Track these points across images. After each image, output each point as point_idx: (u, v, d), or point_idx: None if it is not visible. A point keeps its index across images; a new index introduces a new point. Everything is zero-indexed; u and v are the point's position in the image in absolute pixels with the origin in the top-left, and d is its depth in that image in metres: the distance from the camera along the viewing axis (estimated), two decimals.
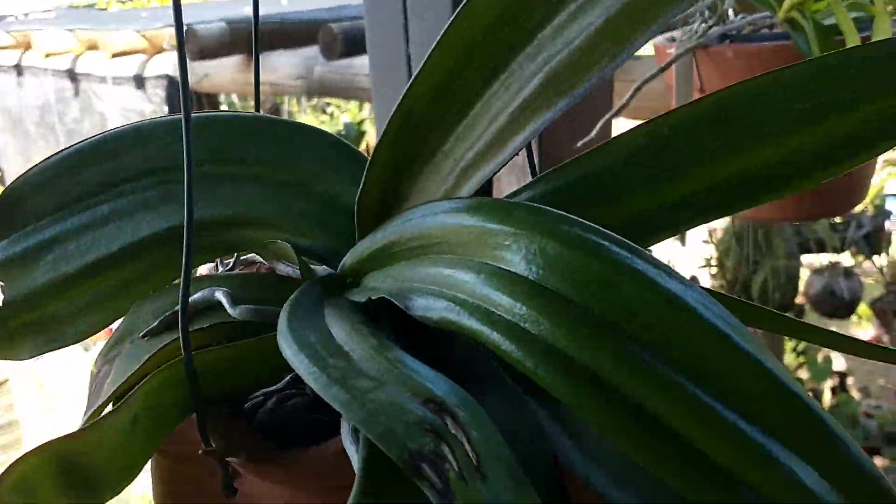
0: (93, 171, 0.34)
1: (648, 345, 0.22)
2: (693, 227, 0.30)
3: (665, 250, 3.27)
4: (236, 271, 0.37)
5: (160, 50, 2.12)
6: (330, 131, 0.34)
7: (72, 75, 2.62)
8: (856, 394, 3.14)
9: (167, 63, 2.14)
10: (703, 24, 0.77)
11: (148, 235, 0.34)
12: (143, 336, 0.32)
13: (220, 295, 0.31)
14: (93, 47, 2.44)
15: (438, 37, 0.29)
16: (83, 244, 0.34)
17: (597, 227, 0.25)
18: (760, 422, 0.21)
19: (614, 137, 0.30)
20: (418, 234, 0.29)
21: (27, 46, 2.85)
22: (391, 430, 0.20)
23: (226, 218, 0.33)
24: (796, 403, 0.22)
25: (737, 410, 0.21)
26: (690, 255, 2.61)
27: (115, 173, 0.33)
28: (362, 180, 0.32)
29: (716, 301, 0.23)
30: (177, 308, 0.30)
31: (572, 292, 0.23)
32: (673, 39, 0.76)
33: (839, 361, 3.31)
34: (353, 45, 1.48)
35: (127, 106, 2.43)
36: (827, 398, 2.99)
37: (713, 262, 2.23)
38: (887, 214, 2.37)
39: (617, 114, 0.72)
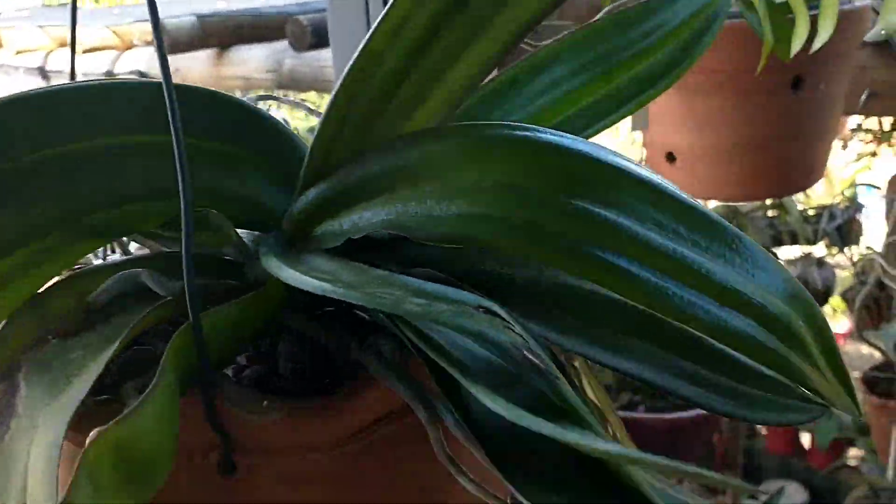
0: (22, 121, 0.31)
1: (578, 195, 0.27)
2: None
3: None
4: (139, 254, 0.34)
5: (130, 46, 2.11)
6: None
7: (43, 73, 2.60)
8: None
9: (138, 58, 2.13)
10: None
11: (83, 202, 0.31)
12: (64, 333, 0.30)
13: (144, 276, 0.29)
14: (64, 44, 2.42)
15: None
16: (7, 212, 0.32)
17: (532, 126, 0.28)
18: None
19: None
20: (380, 170, 0.29)
21: None
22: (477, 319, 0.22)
23: (124, 193, 0.31)
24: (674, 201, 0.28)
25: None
26: None
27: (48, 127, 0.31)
28: (313, 138, 0.31)
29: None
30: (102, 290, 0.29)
31: (542, 185, 0.27)
32: None
33: None
34: (322, 36, 1.48)
35: None
36: None
37: None
38: (859, 206, 2.38)
39: None
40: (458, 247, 0.29)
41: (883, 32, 0.56)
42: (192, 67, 1.92)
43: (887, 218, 1.84)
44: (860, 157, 2.60)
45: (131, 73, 2.16)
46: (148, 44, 1.99)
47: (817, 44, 0.60)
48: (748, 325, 0.28)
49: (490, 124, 0.29)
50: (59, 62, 2.49)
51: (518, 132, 0.27)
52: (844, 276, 2.41)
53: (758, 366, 0.30)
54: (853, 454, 2.56)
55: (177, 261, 0.28)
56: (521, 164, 0.27)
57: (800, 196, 2.67)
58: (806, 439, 2.77)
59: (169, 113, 0.25)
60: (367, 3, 0.98)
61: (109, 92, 0.29)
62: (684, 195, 0.28)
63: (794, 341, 0.30)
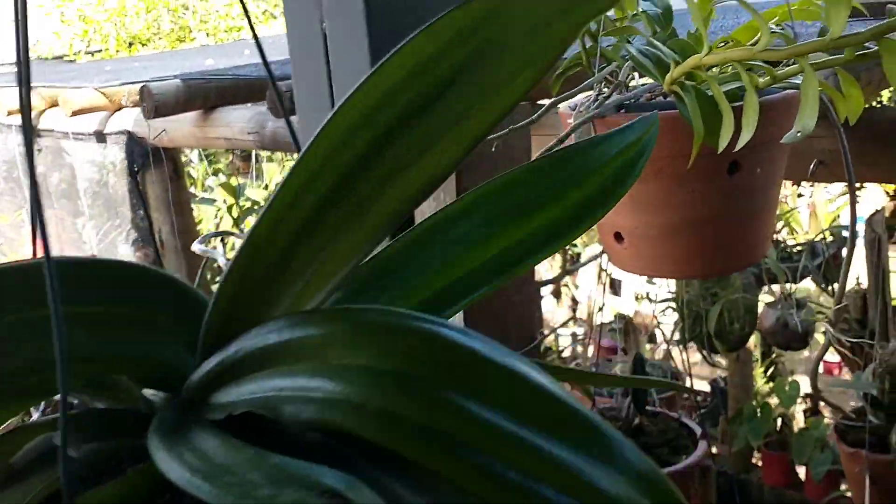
0: None
1: (452, 388, 0.27)
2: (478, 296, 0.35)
3: (635, 285, 3.31)
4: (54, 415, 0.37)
5: (120, 107, 2.15)
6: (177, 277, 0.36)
7: (35, 132, 2.64)
8: (828, 415, 3.17)
9: (127, 119, 2.17)
10: (605, 91, 0.81)
11: None
12: None
13: (55, 439, 0.32)
14: (55, 104, 2.47)
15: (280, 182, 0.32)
16: None
17: (405, 311, 0.30)
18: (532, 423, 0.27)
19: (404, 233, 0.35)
20: (265, 347, 0.31)
21: None
22: None
23: (40, 360, 0.33)
24: (553, 401, 0.28)
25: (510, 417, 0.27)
26: (658, 288, 2.65)
27: None
28: (210, 305, 0.33)
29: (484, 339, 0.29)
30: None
31: (400, 366, 0.28)
32: (574, 107, 0.79)
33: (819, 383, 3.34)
34: None
35: (92, 159, 2.46)
36: (800, 421, 3.02)
37: (674, 296, 2.27)
38: (843, 242, 2.40)
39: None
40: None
41: (799, 134, 0.59)
42: (178, 129, 1.96)
43: (866, 258, 1.86)
44: (844, 192, 2.63)
45: (120, 132, 2.21)
46: (136, 105, 2.03)
47: (741, 142, 0.62)
48: None
49: (368, 309, 0.31)
50: (50, 122, 2.53)
51: (394, 319, 0.29)
52: (826, 311, 2.43)
53: None
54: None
55: (95, 419, 0.31)
56: (395, 352, 0.28)
57: (784, 234, 2.70)
58: (802, 471, 2.78)
59: (48, 282, 0.28)
60: (329, 75, 1.02)
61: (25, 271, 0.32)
62: (557, 390, 0.28)
63: None
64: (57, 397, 0.39)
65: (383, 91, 0.29)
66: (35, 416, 0.37)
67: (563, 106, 0.82)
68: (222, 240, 3.32)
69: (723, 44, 0.79)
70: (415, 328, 0.29)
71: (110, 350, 0.32)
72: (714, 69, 0.71)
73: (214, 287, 0.33)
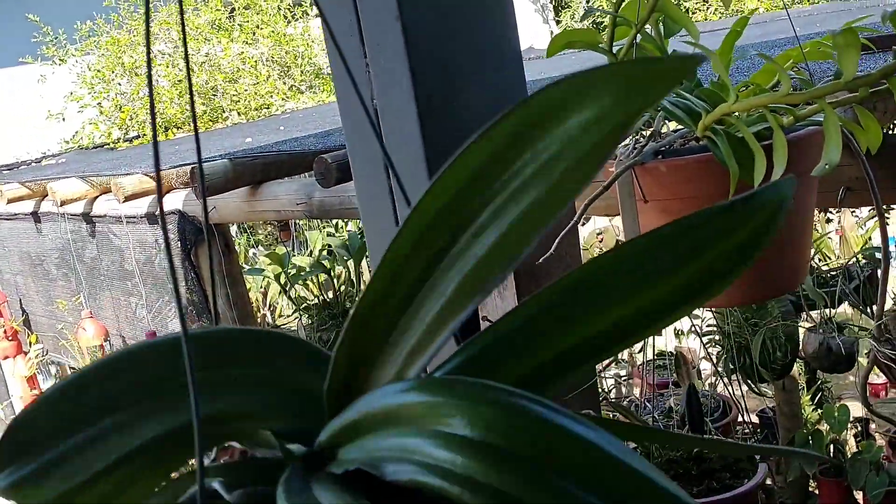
0: (93, 394, 0.38)
1: (560, 473, 0.29)
2: (588, 367, 0.39)
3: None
4: (220, 461, 0.42)
5: (170, 189, 2.26)
6: (297, 340, 0.42)
7: (87, 218, 2.77)
8: (880, 439, 3.15)
9: (178, 200, 2.28)
10: (641, 139, 0.88)
11: (146, 440, 0.38)
12: None
13: (216, 484, 0.38)
14: (106, 191, 2.59)
15: (378, 261, 0.38)
16: (87, 457, 0.38)
17: (512, 389, 0.32)
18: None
19: (515, 308, 0.39)
20: (379, 411, 0.35)
21: (43, 194, 3.02)
22: None
23: (213, 415, 0.39)
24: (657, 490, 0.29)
25: None
26: (698, 322, 2.69)
27: (113, 391, 0.38)
28: (328, 373, 0.38)
29: (598, 428, 0.31)
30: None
31: (504, 444, 0.30)
32: (614, 157, 0.87)
33: (859, 409, 3.34)
34: (347, 171, 1.60)
35: (142, 240, 2.57)
36: (852, 445, 3.01)
37: (712, 328, 2.31)
38: (877, 264, 2.44)
39: (571, 228, 0.83)
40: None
41: (827, 167, 0.66)
42: (227, 205, 2.07)
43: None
44: (872, 215, 2.68)
45: (171, 212, 2.32)
46: (185, 185, 2.14)
47: (774, 177, 0.70)
48: None
49: (476, 383, 0.33)
50: (102, 208, 2.66)
51: (495, 394, 0.31)
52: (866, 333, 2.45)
53: None
54: None
55: (248, 469, 0.38)
56: (488, 425, 0.30)
57: (817, 260, 2.74)
58: (860, 496, 2.76)
59: (185, 356, 0.35)
60: (382, 147, 1.10)
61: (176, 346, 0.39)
62: (673, 489, 0.29)
63: None
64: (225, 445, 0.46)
65: (457, 187, 0.35)
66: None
67: None
68: (271, 308, 3.39)
69: (744, 88, 0.87)
70: (506, 402, 0.32)
71: (258, 405, 0.39)
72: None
73: None
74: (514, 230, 0.35)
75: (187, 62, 0.38)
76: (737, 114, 0.77)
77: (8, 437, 0.37)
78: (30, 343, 3.61)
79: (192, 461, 0.45)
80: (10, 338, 3.61)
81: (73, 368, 3.42)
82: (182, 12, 0.46)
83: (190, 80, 0.38)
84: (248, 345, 0.39)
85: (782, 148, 0.69)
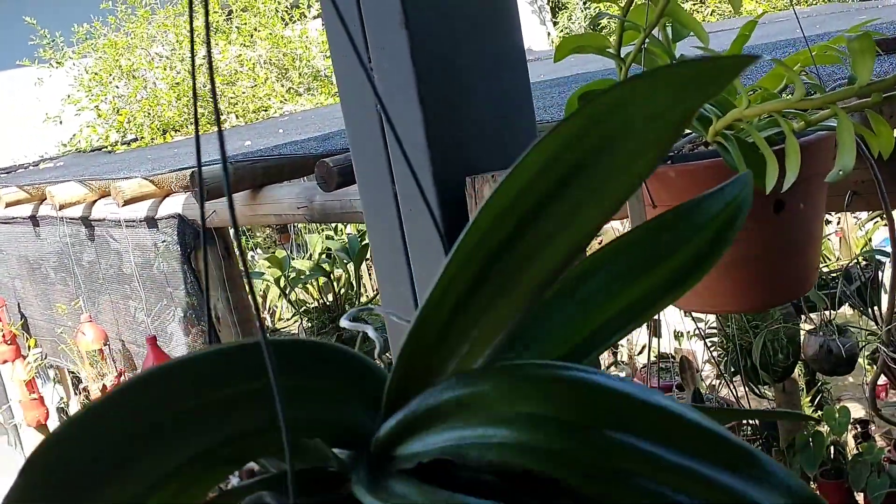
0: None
1: (608, 427, 0.32)
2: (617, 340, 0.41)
3: (675, 324, 3.35)
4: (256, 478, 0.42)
5: (169, 192, 2.26)
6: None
7: (86, 222, 2.76)
8: (880, 440, 3.16)
9: (177, 204, 2.27)
10: None
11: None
12: None
13: (268, 499, 0.38)
14: (105, 195, 2.58)
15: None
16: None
17: (568, 364, 0.35)
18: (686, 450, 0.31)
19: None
20: (446, 402, 0.37)
21: (41, 198, 3.01)
22: None
23: (249, 429, 0.39)
24: (703, 429, 0.32)
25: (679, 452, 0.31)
26: (700, 325, 2.68)
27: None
28: (392, 370, 0.38)
29: (643, 386, 0.33)
30: None
31: (558, 412, 0.33)
32: None
33: (859, 411, 3.34)
34: (348, 175, 1.60)
35: (141, 244, 2.56)
36: (851, 446, 3.01)
37: (714, 330, 2.30)
38: (878, 266, 2.44)
39: None
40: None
41: (840, 173, 0.66)
42: (227, 209, 2.06)
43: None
44: (871, 216, 2.68)
45: (171, 217, 2.31)
46: (185, 189, 2.13)
47: (787, 183, 0.69)
48: None
49: (529, 364, 0.36)
50: (101, 212, 2.65)
51: (554, 371, 0.35)
52: (869, 334, 2.45)
53: None
54: None
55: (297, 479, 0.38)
56: (556, 399, 0.33)
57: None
58: (861, 498, 2.76)
59: (268, 363, 0.35)
60: (385, 147, 1.09)
61: (225, 356, 0.38)
62: (704, 420, 0.32)
63: None
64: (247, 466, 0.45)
65: (527, 178, 0.35)
66: (234, 481, 0.43)
67: None
68: (270, 311, 3.38)
69: (752, 92, 0.87)
70: (567, 377, 0.34)
71: (308, 416, 0.39)
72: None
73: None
74: (584, 218, 0.36)
75: (193, 63, 0.37)
76: (747, 119, 0.77)
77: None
78: (28, 347, 3.60)
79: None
80: (8, 342, 3.59)
81: (73, 373, 3.41)
82: (192, 12, 0.45)
83: (195, 81, 0.37)
84: (315, 357, 0.38)
85: (795, 153, 0.69)
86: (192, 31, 0.47)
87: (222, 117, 5.03)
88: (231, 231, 2.17)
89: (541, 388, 0.34)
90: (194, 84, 0.39)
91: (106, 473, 0.35)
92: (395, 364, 0.37)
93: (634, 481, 0.31)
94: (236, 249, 2.20)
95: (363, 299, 2.95)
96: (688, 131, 0.88)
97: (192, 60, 0.39)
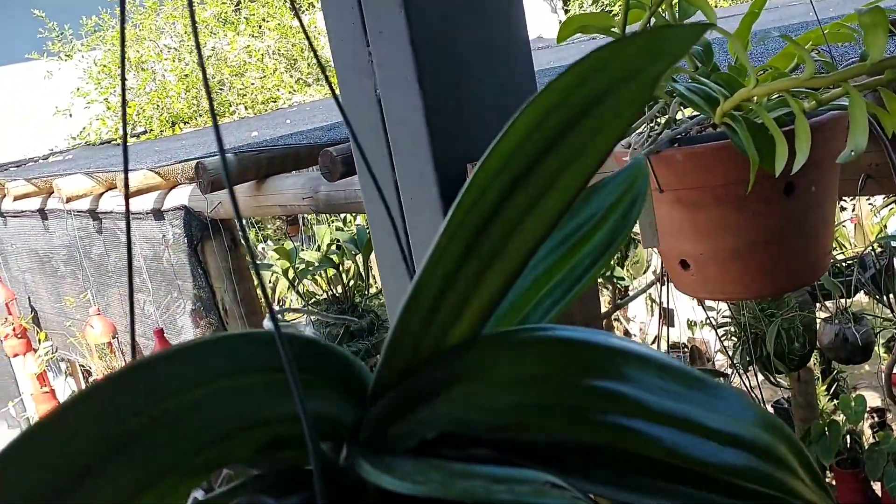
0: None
1: (595, 377, 0.35)
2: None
3: (688, 313, 3.32)
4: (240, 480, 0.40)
5: (175, 184, 2.24)
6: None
7: (94, 215, 2.75)
8: None
9: (183, 195, 2.25)
10: (656, 128, 0.85)
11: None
12: None
13: (263, 501, 0.36)
14: (112, 187, 2.57)
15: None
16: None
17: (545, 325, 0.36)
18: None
19: None
20: (438, 378, 0.36)
21: (49, 191, 3.00)
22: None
23: (226, 430, 0.37)
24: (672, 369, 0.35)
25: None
26: (713, 314, 2.65)
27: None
28: (381, 356, 0.37)
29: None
30: None
31: (558, 369, 0.36)
32: (629, 145, 0.84)
33: (875, 399, 3.30)
34: (352, 164, 1.58)
35: (148, 236, 2.55)
36: (868, 436, 2.98)
37: (727, 320, 2.27)
38: (893, 252, 2.40)
39: None
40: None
41: (852, 153, 0.63)
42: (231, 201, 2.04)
43: None
44: (887, 202, 2.63)
45: (177, 208, 2.29)
46: (190, 181, 2.12)
47: (797, 165, 0.66)
48: (749, 460, 0.35)
49: (515, 330, 0.37)
50: (108, 204, 2.64)
51: (540, 333, 0.36)
52: (886, 322, 2.42)
53: (750, 485, 0.37)
54: None
55: (280, 480, 0.36)
56: (547, 359, 0.35)
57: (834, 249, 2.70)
58: (878, 487, 2.73)
59: (283, 358, 0.33)
60: (386, 137, 1.07)
61: (207, 348, 0.37)
62: (677, 362, 0.36)
63: (785, 466, 0.37)
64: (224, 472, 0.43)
65: (519, 138, 0.34)
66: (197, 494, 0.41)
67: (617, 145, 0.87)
68: (280, 303, 3.37)
69: (762, 72, 0.84)
70: (554, 336, 0.36)
71: (286, 411, 0.37)
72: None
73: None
74: (568, 175, 0.36)
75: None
76: (756, 99, 0.74)
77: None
78: (39, 340, 3.60)
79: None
80: (19, 335, 3.60)
81: (83, 366, 3.41)
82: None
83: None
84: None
85: (805, 134, 0.66)
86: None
87: (231, 108, 5.02)
88: (234, 221, 2.15)
89: (534, 349, 0.35)
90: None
91: (70, 484, 0.33)
92: (385, 345, 0.36)
93: (631, 424, 0.34)
94: (243, 240, 2.18)
95: (372, 290, 2.93)
96: (695, 113, 0.86)
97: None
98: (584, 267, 0.46)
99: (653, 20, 0.82)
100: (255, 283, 2.06)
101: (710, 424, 0.35)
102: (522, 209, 0.35)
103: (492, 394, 0.35)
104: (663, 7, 0.84)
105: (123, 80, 0.29)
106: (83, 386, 3.87)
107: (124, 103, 0.36)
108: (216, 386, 0.36)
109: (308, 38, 0.48)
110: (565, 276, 0.45)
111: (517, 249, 0.35)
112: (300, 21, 0.44)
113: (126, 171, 0.36)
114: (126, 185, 0.36)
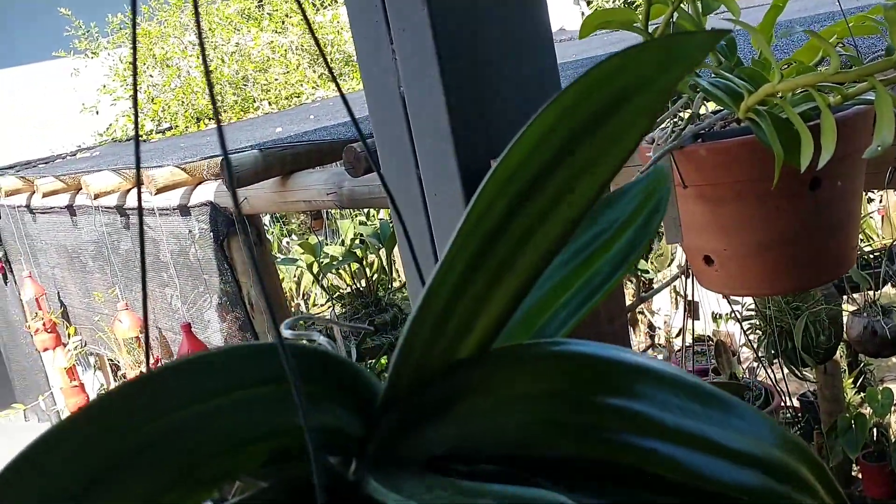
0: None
1: (607, 393, 0.34)
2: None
3: (713, 306, 3.30)
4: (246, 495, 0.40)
5: (201, 180, 2.26)
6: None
7: (121, 211, 2.78)
8: None
9: (209, 191, 2.28)
10: (679, 123, 0.85)
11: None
12: None
13: None
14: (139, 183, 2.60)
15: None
16: None
17: (552, 339, 0.36)
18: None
19: None
20: (445, 393, 0.36)
21: (77, 188, 3.04)
22: None
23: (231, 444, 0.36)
24: (686, 387, 0.35)
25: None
26: (738, 307, 2.64)
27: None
28: (390, 369, 0.37)
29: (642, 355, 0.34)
30: None
31: (563, 386, 0.35)
32: (652, 140, 0.84)
33: None
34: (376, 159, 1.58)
35: (175, 231, 2.58)
36: (895, 429, 2.95)
37: (752, 313, 2.26)
38: None
39: None
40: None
41: (879, 148, 0.63)
42: (259, 196, 2.06)
43: None
44: None
45: (203, 204, 2.32)
46: (216, 177, 2.13)
47: (822, 161, 0.66)
48: (768, 481, 0.34)
49: (527, 344, 0.37)
50: (135, 200, 2.67)
51: (553, 348, 0.35)
52: None
53: None
54: None
55: (287, 493, 0.36)
56: (558, 375, 0.34)
57: (859, 241, 2.67)
58: None
59: (286, 369, 0.33)
60: (410, 133, 1.07)
61: (215, 359, 0.36)
62: (692, 378, 0.35)
63: (806, 488, 0.37)
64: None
65: (528, 149, 0.34)
66: None
67: None
68: (304, 297, 3.40)
69: (786, 66, 0.83)
70: (566, 352, 0.35)
71: (294, 423, 0.37)
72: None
73: None
74: (583, 184, 0.36)
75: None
76: (781, 94, 0.74)
77: None
78: (68, 335, 3.65)
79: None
80: (49, 330, 3.65)
81: (111, 360, 3.45)
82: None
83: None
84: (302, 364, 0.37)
85: (831, 130, 0.66)
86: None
87: (255, 104, 5.05)
88: (260, 217, 2.17)
89: (545, 365, 0.34)
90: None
91: (76, 495, 0.33)
92: (393, 360, 0.36)
93: (645, 444, 0.33)
94: (241, 235, 2.19)
95: (395, 284, 2.94)
96: (719, 108, 0.85)
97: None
98: (602, 276, 0.45)
99: (675, 15, 0.82)
100: (280, 277, 2.07)
101: (728, 444, 0.34)
102: (532, 222, 0.34)
103: (500, 410, 0.34)
104: (686, 1, 0.84)
105: (135, 80, 0.30)
106: (112, 380, 3.92)
107: (135, 102, 0.37)
108: (223, 398, 0.35)
109: (315, 39, 0.49)
110: (583, 286, 0.45)
111: (527, 263, 0.35)
112: (308, 24, 0.44)
113: (138, 167, 0.37)
114: (138, 179, 0.37)
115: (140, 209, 0.37)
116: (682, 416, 0.34)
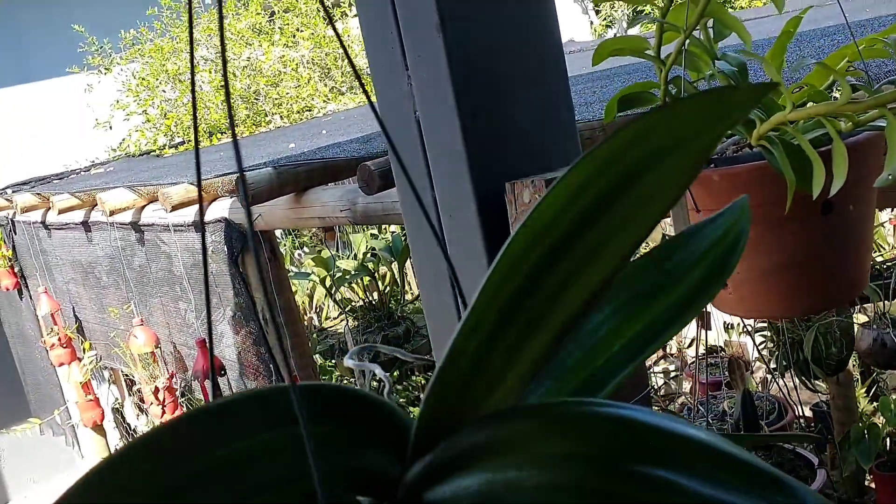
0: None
1: (638, 461, 0.32)
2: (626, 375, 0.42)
3: (724, 316, 3.30)
4: None
5: (215, 197, 2.28)
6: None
7: (136, 227, 2.81)
8: None
9: (223, 207, 2.30)
10: None
11: None
12: None
13: None
14: (153, 200, 2.62)
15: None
16: None
17: (586, 399, 0.35)
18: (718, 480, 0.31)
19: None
20: (473, 444, 0.36)
21: (93, 204, 3.07)
22: None
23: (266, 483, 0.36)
24: (729, 459, 0.32)
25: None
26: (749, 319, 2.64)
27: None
28: (419, 413, 0.38)
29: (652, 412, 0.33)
30: None
31: (606, 453, 0.33)
32: None
33: None
34: (389, 177, 1.60)
35: (189, 247, 2.60)
36: None
37: (764, 325, 2.26)
38: None
39: None
40: None
41: (890, 177, 0.64)
42: (273, 212, 2.08)
43: None
44: None
45: (217, 220, 2.34)
46: (230, 193, 2.16)
47: (834, 188, 0.67)
48: None
49: (557, 403, 0.36)
50: (150, 216, 2.69)
51: (580, 408, 0.34)
52: None
53: None
54: None
55: None
56: (586, 438, 0.33)
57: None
58: None
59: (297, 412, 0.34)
60: (425, 155, 1.09)
61: (249, 402, 0.38)
62: (733, 449, 0.32)
63: None
64: None
65: (558, 206, 0.35)
66: None
67: None
68: (317, 310, 3.40)
69: (797, 89, 0.85)
70: (599, 414, 0.34)
71: (329, 465, 0.38)
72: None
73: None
74: (610, 252, 0.36)
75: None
76: (792, 122, 0.75)
77: None
78: (84, 350, 3.68)
79: None
80: (64, 345, 3.68)
81: (126, 374, 3.48)
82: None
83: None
84: (339, 404, 0.38)
85: (842, 157, 0.67)
86: (190, 38, 0.47)
87: (266, 118, 5.08)
88: (273, 233, 2.19)
89: (574, 426, 0.34)
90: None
91: None
92: (422, 405, 0.37)
93: None
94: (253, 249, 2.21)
95: (408, 297, 2.96)
96: (731, 133, 0.87)
97: (199, 59, 0.39)
98: (663, 322, 0.42)
99: (687, 42, 0.83)
100: (294, 290, 2.08)
101: None
102: (561, 280, 0.35)
103: (523, 470, 0.34)
104: (698, 28, 0.85)
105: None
106: (126, 393, 3.94)
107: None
108: (256, 440, 0.36)
109: (343, 45, 0.50)
110: (637, 336, 0.42)
111: (556, 320, 0.35)
112: (335, 30, 0.46)
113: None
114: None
115: (203, 230, 0.38)
116: (719, 489, 0.32)
